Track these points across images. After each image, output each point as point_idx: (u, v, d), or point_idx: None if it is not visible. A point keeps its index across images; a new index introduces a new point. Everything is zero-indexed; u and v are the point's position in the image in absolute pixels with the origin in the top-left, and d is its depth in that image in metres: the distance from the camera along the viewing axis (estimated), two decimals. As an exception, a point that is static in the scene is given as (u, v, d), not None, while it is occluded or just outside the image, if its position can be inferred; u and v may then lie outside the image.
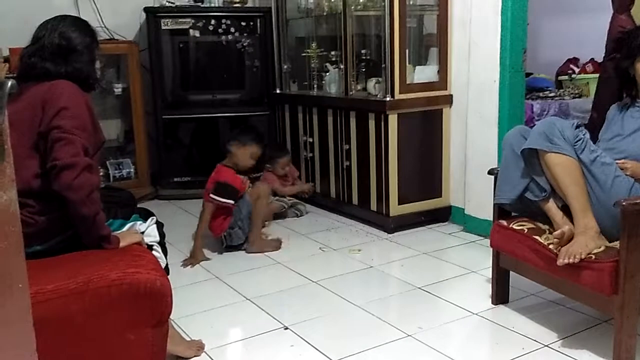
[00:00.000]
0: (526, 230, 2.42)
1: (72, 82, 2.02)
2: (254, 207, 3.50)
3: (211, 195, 3.42)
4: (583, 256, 2.12)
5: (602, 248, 2.16)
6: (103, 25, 4.60)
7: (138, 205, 2.51)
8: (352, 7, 3.92)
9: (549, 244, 2.29)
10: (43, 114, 1.93)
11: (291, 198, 4.29)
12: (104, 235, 1.96)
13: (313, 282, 3.03)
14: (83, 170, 1.88)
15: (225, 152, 3.60)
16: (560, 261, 2.15)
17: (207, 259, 3.38)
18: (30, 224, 1.90)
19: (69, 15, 2.21)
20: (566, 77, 5.52)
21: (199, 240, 3.42)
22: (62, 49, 2.07)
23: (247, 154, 3.53)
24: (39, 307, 1.60)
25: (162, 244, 2.26)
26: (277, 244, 3.56)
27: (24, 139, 1.93)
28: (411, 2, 3.79)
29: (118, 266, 1.82)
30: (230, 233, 3.47)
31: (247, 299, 2.85)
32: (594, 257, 2.12)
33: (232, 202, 3.44)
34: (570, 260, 2.13)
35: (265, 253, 3.47)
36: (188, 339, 2.39)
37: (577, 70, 5.47)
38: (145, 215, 2.30)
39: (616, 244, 2.13)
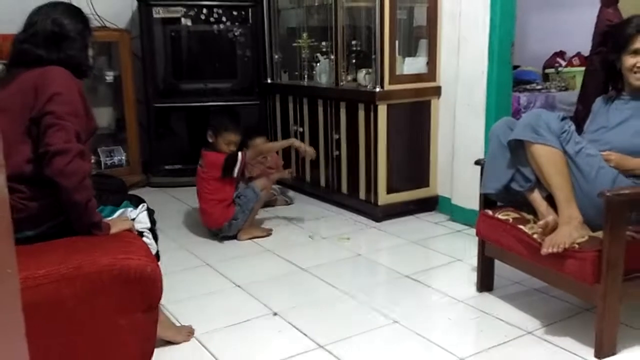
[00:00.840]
0: (511, 220, 2.46)
1: (64, 69, 2.02)
2: (258, 198, 3.54)
3: (232, 177, 3.43)
4: (567, 246, 2.15)
5: (586, 238, 2.20)
6: (94, 13, 4.58)
7: (129, 193, 2.52)
8: (344, -2, 3.94)
9: (533, 234, 2.33)
10: (35, 100, 1.93)
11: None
12: (95, 221, 1.97)
13: (302, 269, 3.07)
14: (75, 157, 1.88)
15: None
16: (544, 250, 2.18)
17: None
18: (21, 209, 1.90)
19: (62, 2, 2.21)
20: (553, 70, 5.55)
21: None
22: (55, 35, 2.06)
23: (223, 142, 3.49)
24: (29, 292, 1.62)
25: (153, 230, 2.28)
26: (266, 231, 3.60)
27: (15, 125, 1.93)
28: (401, -6, 3.81)
29: (109, 252, 1.84)
30: (232, 224, 3.48)
31: (236, 285, 2.88)
32: (577, 246, 2.16)
33: (241, 161, 3.44)
34: (554, 250, 2.16)
35: (255, 240, 3.49)
36: (178, 325, 2.42)
37: (563, 63, 5.50)
38: (136, 202, 2.32)
39: (599, 233, 2.16)
